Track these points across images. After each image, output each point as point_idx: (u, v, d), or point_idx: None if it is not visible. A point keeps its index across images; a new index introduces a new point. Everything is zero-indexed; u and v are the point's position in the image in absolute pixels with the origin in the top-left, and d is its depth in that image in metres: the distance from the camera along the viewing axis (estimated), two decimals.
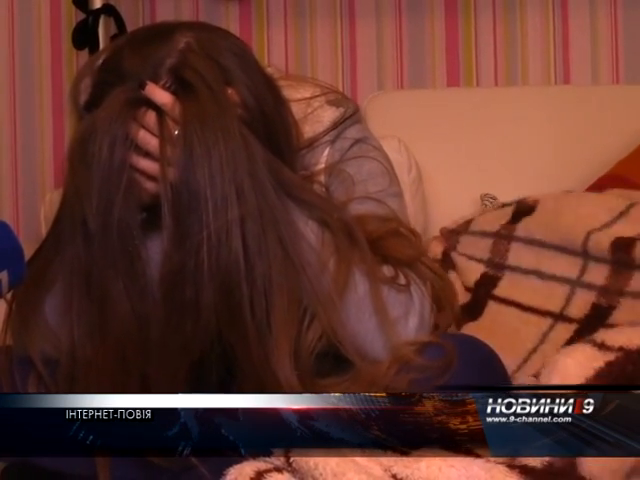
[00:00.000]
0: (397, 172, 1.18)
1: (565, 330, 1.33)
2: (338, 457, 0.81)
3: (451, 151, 1.84)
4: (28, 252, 1.06)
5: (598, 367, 0.91)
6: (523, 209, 1.46)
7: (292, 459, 0.84)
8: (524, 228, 1.44)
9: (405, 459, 0.82)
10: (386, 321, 1.00)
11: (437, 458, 0.81)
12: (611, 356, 0.92)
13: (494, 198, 1.78)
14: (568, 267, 1.37)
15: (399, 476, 0.82)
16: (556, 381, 0.89)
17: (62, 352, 1.00)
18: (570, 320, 1.34)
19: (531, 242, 1.42)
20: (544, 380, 0.91)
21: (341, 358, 0.99)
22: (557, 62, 1.99)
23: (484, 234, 1.48)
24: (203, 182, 0.92)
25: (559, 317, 1.35)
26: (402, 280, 1.03)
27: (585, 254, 1.36)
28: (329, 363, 0.99)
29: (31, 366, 1.02)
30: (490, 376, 1.02)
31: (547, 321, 1.35)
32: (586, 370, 0.90)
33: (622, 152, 1.73)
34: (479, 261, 1.45)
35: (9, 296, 1.01)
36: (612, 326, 1.20)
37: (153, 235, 0.97)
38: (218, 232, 0.92)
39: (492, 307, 1.41)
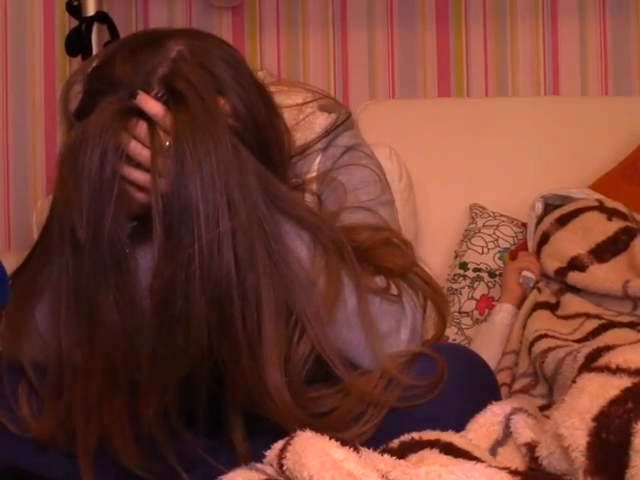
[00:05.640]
0: (388, 180, 1.18)
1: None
2: (333, 469, 0.80)
3: (442, 160, 1.85)
4: (19, 259, 1.06)
5: (614, 395, 0.83)
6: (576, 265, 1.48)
7: (285, 467, 0.83)
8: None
9: (404, 464, 0.81)
10: (375, 336, 0.99)
11: (437, 464, 0.79)
12: (628, 382, 0.84)
13: (483, 208, 1.80)
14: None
15: None
16: (574, 419, 0.82)
17: (51, 360, 0.99)
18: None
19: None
20: (560, 417, 0.84)
21: (332, 371, 0.99)
22: (547, 73, 2.00)
23: None
24: (194, 193, 0.91)
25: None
26: (394, 291, 1.03)
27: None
28: (320, 375, 0.99)
29: (21, 372, 1.01)
30: (480, 383, 1.03)
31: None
32: (600, 400, 0.83)
33: (610, 162, 1.75)
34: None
35: None
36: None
37: (143, 245, 0.96)
38: (210, 244, 0.91)
39: None
